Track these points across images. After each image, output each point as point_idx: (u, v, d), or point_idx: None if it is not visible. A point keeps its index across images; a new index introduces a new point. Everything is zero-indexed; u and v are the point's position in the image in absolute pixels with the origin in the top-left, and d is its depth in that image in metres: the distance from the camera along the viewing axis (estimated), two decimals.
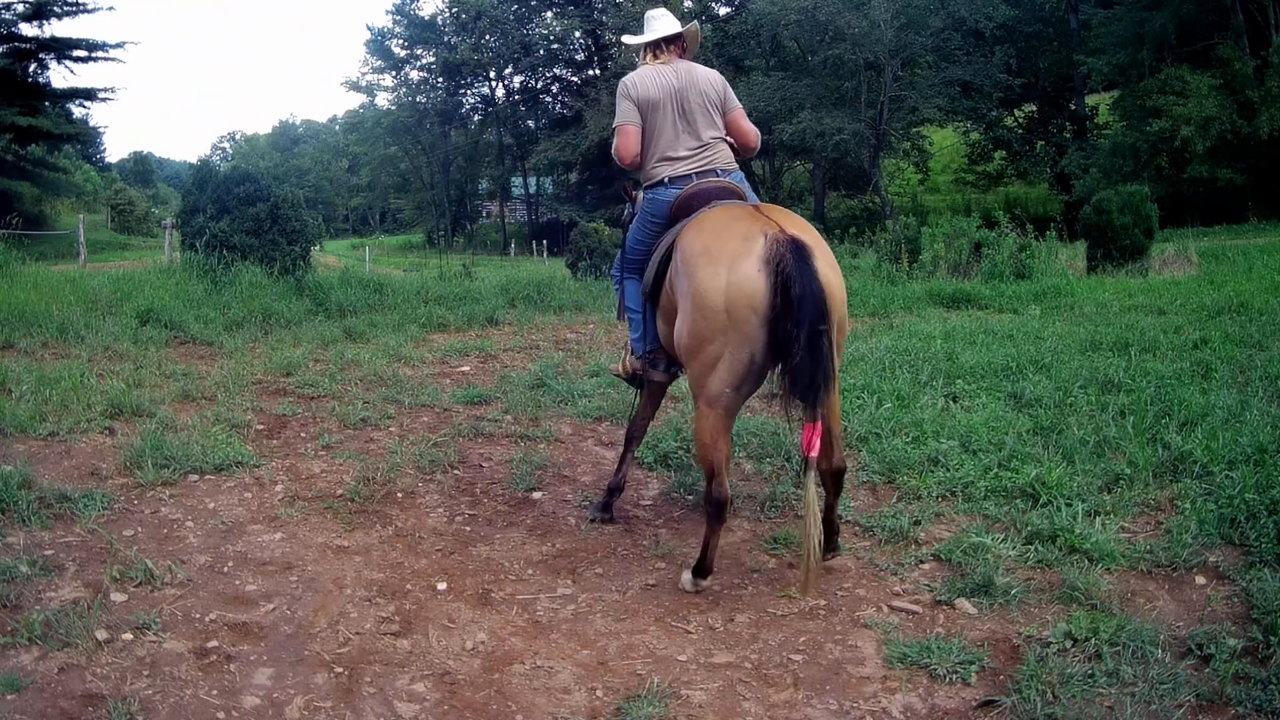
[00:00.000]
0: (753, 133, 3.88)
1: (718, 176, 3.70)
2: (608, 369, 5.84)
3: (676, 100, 3.70)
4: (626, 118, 3.74)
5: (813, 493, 3.07)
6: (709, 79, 3.79)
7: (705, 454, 3.26)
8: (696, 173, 3.69)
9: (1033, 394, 5.39)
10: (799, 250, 3.03)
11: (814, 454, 3.04)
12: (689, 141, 3.71)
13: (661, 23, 3.87)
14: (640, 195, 4.05)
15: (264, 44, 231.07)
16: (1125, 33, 30.92)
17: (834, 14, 32.40)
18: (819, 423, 3.01)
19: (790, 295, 2.96)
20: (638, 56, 3.99)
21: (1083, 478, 4.13)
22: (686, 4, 41.60)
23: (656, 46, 3.86)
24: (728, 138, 3.84)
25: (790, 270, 2.98)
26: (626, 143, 3.75)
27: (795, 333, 2.95)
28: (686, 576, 3.47)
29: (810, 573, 3.09)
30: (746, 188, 3.82)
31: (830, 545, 3.53)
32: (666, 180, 3.72)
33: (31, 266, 10.96)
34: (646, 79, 3.74)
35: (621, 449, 4.33)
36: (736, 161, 3.89)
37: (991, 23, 33.38)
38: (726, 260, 3.10)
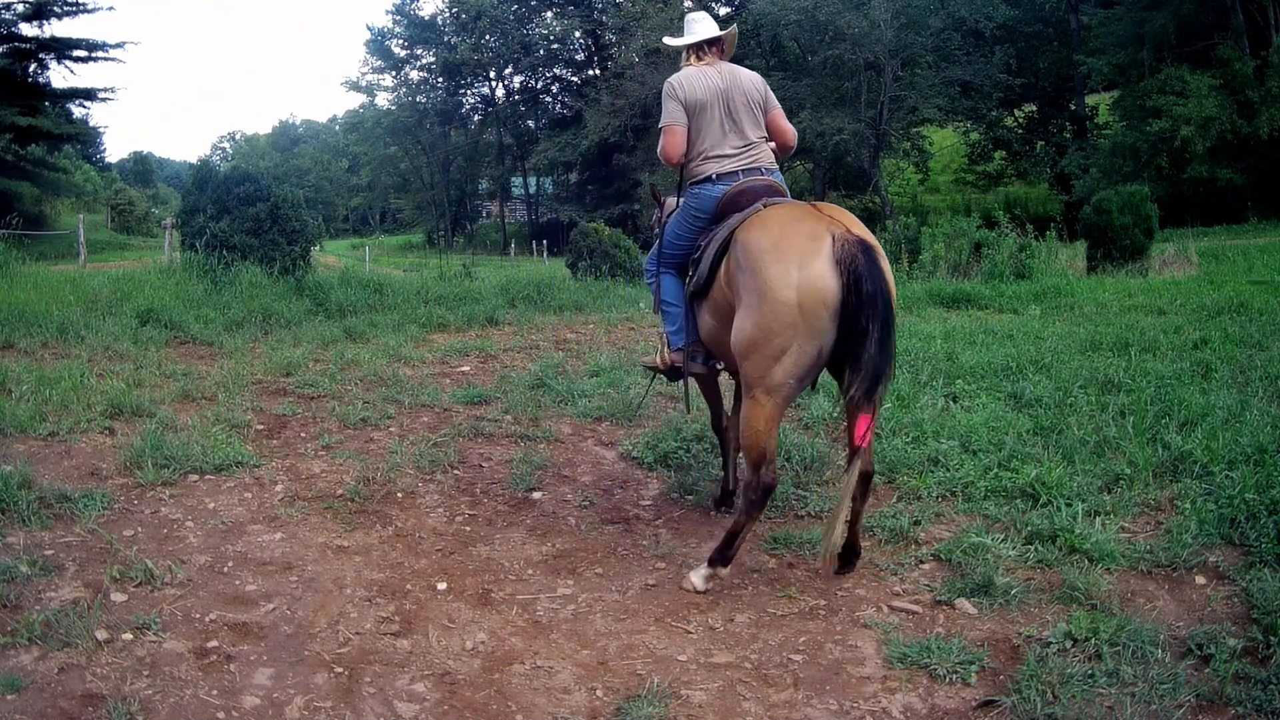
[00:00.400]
0: (791, 132, 4.00)
1: (763, 174, 3.81)
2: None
3: (723, 100, 3.80)
4: (674, 118, 3.82)
5: (854, 479, 3.23)
6: (751, 80, 3.90)
7: (758, 440, 3.32)
8: (743, 170, 3.80)
9: (1033, 394, 5.39)
10: (868, 251, 3.16)
11: (865, 443, 3.18)
12: (734, 140, 3.82)
13: (702, 25, 3.98)
14: (668, 199, 4.20)
15: (264, 44, 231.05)
16: (1125, 33, 30.91)
17: (834, 14, 32.38)
18: (872, 415, 3.15)
19: (863, 294, 3.09)
20: (680, 57, 4.10)
21: (1083, 478, 4.14)
22: (686, 4, 41.57)
23: (699, 48, 3.97)
24: (767, 137, 3.95)
25: (862, 270, 3.11)
26: (674, 142, 3.84)
27: (869, 329, 3.08)
28: (700, 572, 3.49)
29: (830, 548, 3.30)
30: (785, 186, 3.93)
31: (849, 559, 3.56)
32: (714, 177, 3.81)
33: (31, 266, 10.96)
34: (693, 80, 3.83)
35: (721, 453, 4.44)
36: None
37: (991, 23, 33.35)
38: (796, 258, 3.19)
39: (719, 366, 4.06)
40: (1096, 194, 15.80)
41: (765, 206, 3.57)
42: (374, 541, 3.86)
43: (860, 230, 3.26)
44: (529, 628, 3.21)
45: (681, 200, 4.05)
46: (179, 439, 4.69)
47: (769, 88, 3.95)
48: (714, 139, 3.80)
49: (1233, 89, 27.15)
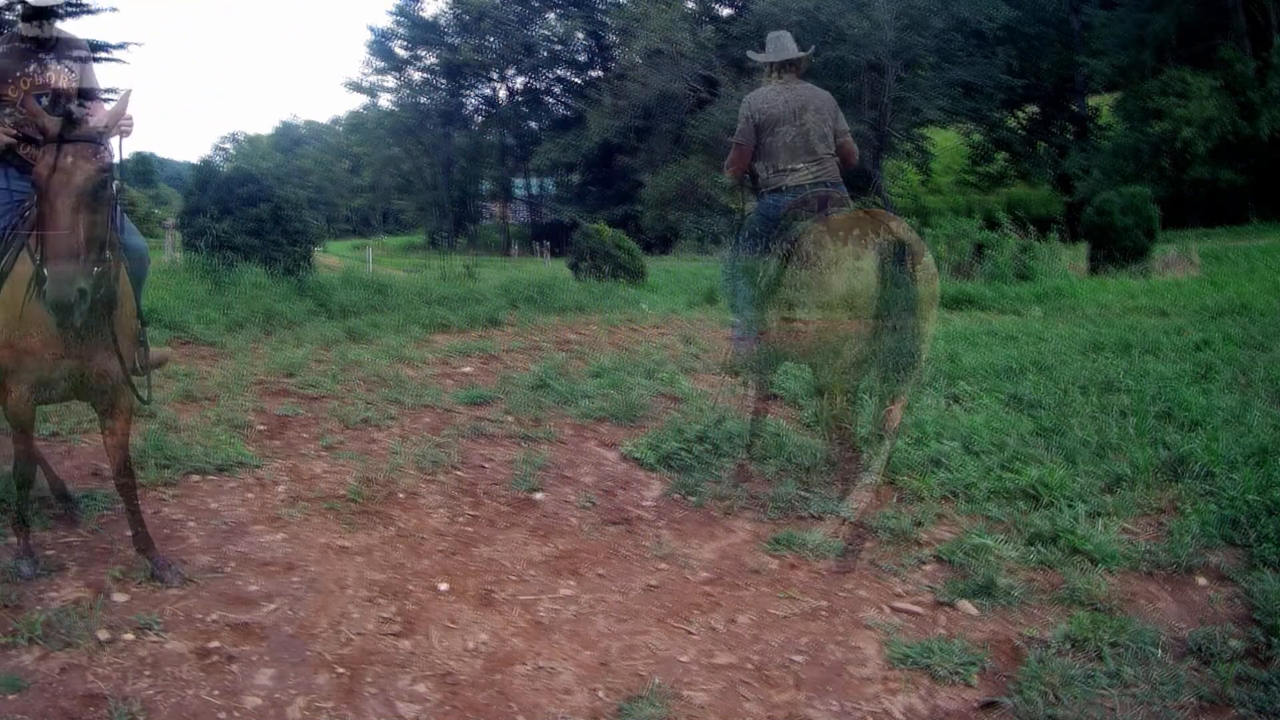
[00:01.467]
0: (855, 152, 4.47)
1: (827, 188, 4.23)
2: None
3: (797, 119, 4.23)
4: (744, 137, 4.29)
5: (885, 453, 3.70)
6: (825, 101, 4.32)
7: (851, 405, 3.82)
8: (810, 184, 4.21)
9: (1034, 395, 5.39)
10: (901, 250, 3.54)
11: (893, 426, 3.63)
12: (804, 156, 4.24)
13: (785, 45, 4.39)
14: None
15: (265, 44, 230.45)
16: (1127, 34, 30.87)
17: (836, 15, 32.35)
18: (900, 399, 3.54)
19: (888, 288, 3.47)
20: (763, 73, 4.48)
21: (1084, 479, 4.13)
22: (689, 5, 41.56)
23: (780, 67, 4.38)
24: (833, 153, 4.34)
25: (891, 268, 3.49)
26: (738, 159, 4.34)
27: (887, 320, 3.46)
28: None
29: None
30: (847, 197, 4.33)
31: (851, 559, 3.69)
32: (784, 188, 4.24)
33: None
34: (770, 100, 4.27)
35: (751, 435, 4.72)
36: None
37: (993, 24, 33.29)
38: (849, 260, 3.62)
39: (779, 361, 4.41)
40: (1098, 195, 15.83)
41: (827, 217, 3.93)
42: (375, 542, 3.86)
43: (901, 231, 3.63)
44: (531, 628, 3.21)
45: (754, 207, 4.42)
46: (181, 439, 4.69)
47: (839, 110, 4.36)
48: (788, 154, 4.22)
49: (1234, 90, 27.10)
